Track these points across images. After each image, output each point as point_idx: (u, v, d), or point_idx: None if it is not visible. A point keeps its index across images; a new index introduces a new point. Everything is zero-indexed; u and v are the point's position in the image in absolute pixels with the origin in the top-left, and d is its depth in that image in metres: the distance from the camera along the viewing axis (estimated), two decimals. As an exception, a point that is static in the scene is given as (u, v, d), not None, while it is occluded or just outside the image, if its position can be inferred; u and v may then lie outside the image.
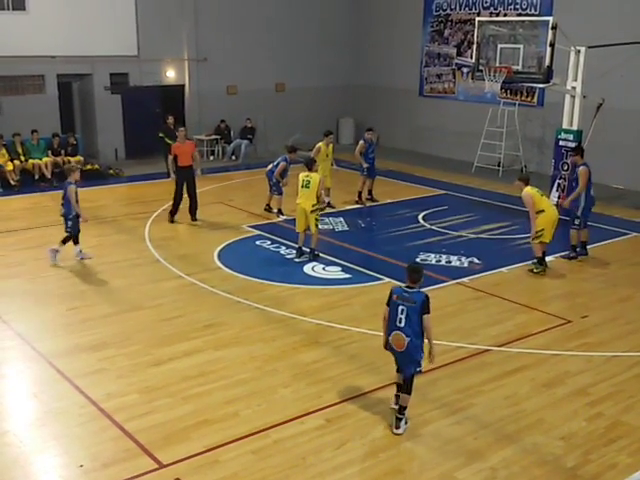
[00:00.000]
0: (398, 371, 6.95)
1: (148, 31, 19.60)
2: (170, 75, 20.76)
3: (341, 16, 23.18)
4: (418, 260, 11.58)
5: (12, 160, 17.12)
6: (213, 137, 21.12)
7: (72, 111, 20.20)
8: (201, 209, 14.25)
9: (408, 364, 6.68)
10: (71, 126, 19.70)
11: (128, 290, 10.34)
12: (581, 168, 11.55)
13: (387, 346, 6.79)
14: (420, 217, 14.55)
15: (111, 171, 18.21)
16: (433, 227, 13.85)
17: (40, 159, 17.45)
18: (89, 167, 17.81)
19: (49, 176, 17.39)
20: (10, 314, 9.44)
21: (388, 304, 6.69)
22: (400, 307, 6.55)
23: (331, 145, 15.11)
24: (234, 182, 17.99)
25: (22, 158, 17.36)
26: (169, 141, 18.05)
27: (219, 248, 12.25)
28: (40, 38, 17.76)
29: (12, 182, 16.89)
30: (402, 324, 6.54)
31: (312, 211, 11.52)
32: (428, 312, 6.54)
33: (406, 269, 6.79)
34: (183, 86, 21.02)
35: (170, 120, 18.05)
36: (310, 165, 11.85)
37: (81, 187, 16.26)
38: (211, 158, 21.03)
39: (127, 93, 20.00)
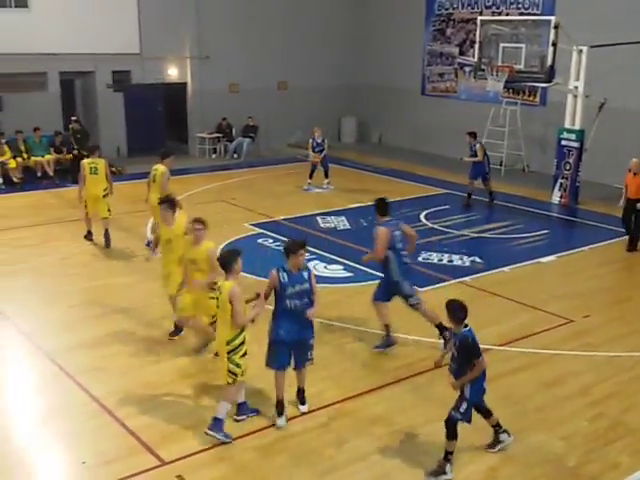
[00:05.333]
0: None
1: (150, 29, 19.60)
2: (172, 73, 20.77)
3: (344, 15, 23.16)
4: (420, 259, 11.61)
5: (15, 157, 17.14)
6: (215, 135, 21.13)
7: (74, 109, 20.22)
8: (203, 207, 14.24)
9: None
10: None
11: (130, 288, 10.35)
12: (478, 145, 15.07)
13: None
14: (422, 216, 14.55)
15: (113, 169, 18.10)
16: (435, 226, 13.86)
17: (42, 156, 17.47)
18: (91, 164, 17.77)
19: (51, 174, 17.39)
20: (12, 312, 9.46)
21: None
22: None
23: (160, 168, 11.57)
24: (236, 180, 17.99)
25: (24, 156, 17.38)
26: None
27: (221, 247, 12.24)
28: (42, 35, 17.75)
29: (15, 179, 16.92)
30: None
31: (104, 196, 12.21)
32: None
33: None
34: (185, 84, 21.03)
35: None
36: (93, 151, 12.59)
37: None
38: (213, 156, 21.04)
39: (129, 91, 20.01)
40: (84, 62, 18.85)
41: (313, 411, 7.01)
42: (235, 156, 20.89)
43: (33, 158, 17.43)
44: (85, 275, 10.93)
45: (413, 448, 6.47)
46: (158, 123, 20.99)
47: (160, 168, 11.55)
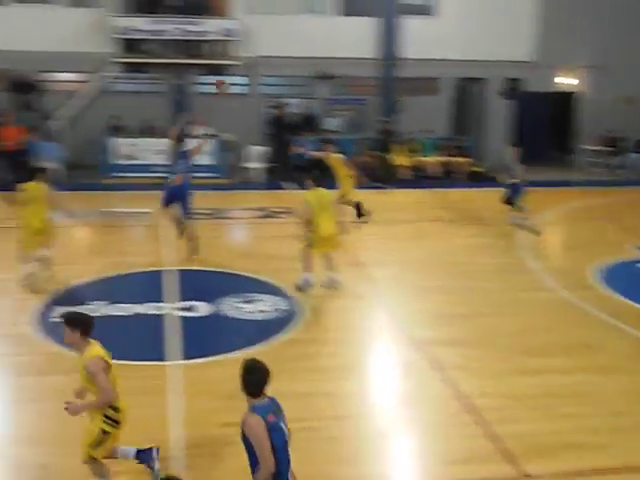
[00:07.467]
0: None
1: (547, 36, 19.14)
2: (563, 82, 20.01)
3: None
4: None
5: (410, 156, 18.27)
6: (603, 148, 19.81)
7: (465, 113, 20.73)
8: (580, 225, 13.51)
9: None
10: (462, 128, 20.24)
11: (496, 294, 10.15)
12: None
13: None
14: None
15: (494, 175, 18.31)
16: None
17: (430, 157, 18.32)
18: (474, 169, 18.21)
19: (437, 175, 18.13)
20: (385, 298, 10.07)
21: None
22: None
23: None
24: (623, 198, 16.51)
25: (414, 155, 18.40)
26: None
27: (596, 265, 11.42)
28: (442, 42, 18.53)
29: (404, 177, 18.00)
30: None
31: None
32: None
33: None
34: (574, 93, 20.09)
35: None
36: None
37: (464, 187, 16.84)
38: (599, 170, 19.71)
39: (518, 98, 19.85)
40: (476, 69, 19.20)
41: None
42: (624, 171, 19.32)
43: (422, 158, 18.37)
44: (452, 275, 11.02)
45: None
46: (542, 132, 20.51)
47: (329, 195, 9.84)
